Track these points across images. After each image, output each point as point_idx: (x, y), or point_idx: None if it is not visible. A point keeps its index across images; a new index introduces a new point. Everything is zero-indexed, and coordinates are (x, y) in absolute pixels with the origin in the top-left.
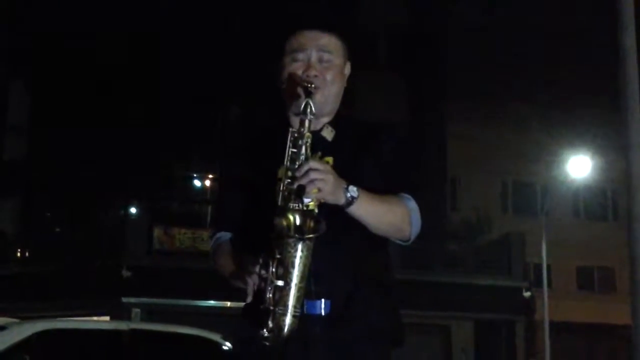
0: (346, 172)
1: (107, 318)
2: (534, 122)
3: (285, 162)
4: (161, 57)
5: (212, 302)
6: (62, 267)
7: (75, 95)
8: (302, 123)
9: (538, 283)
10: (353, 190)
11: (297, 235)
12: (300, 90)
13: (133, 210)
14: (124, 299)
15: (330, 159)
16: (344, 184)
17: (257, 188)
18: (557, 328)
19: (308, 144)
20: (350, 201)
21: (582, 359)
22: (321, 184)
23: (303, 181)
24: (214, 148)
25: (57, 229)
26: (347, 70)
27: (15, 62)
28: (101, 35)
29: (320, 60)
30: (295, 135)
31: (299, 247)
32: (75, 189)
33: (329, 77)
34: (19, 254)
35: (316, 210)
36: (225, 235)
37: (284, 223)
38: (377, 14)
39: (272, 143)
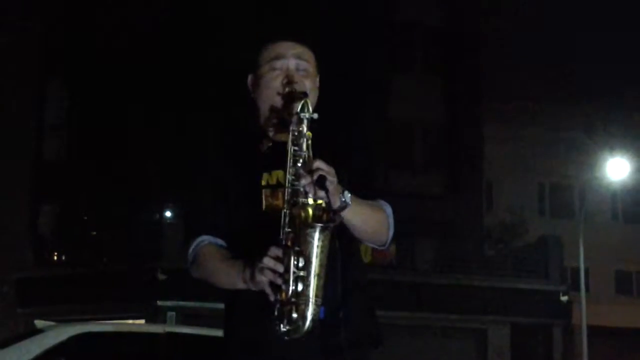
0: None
1: (142, 321)
2: (572, 123)
3: (288, 160)
4: (198, 55)
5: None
6: (98, 270)
7: (112, 97)
8: (300, 122)
9: (575, 287)
10: (347, 196)
11: (318, 224)
12: (286, 94)
13: (168, 213)
14: (160, 302)
15: None
16: (340, 188)
17: (237, 194)
18: (595, 333)
19: (309, 143)
20: (344, 206)
21: None
22: (328, 183)
23: (315, 176)
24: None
25: (94, 232)
26: (317, 82)
27: (52, 63)
28: (138, 33)
29: (298, 69)
30: (296, 134)
31: (318, 236)
32: (111, 192)
33: (308, 85)
34: (56, 257)
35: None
36: (205, 239)
37: (303, 214)
38: (413, 15)
39: (250, 151)
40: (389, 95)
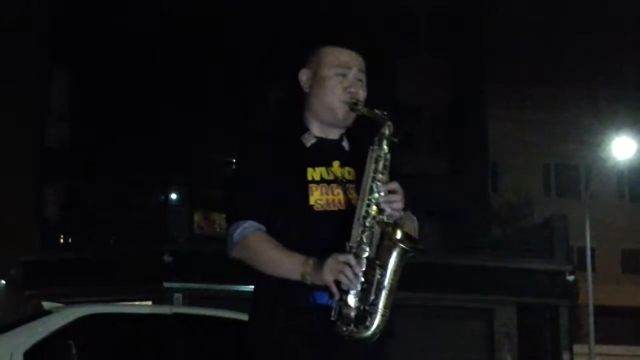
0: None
1: (149, 303)
2: (577, 104)
3: (368, 177)
4: (200, 41)
5: (253, 287)
6: (104, 253)
7: (115, 81)
8: (380, 144)
9: (582, 266)
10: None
11: (410, 245)
12: (353, 104)
13: (173, 195)
14: (166, 284)
15: (351, 170)
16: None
17: (282, 185)
18: (602, 312)
19: (387, 164)
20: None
21: (627, 343)
22: (399, 205)
23: (387, 199)
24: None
25: (99, 215)
26: None
27: (55, 49)
28: (140, 20)
29: (358, 80)
30: (379, 154)
31: (400, 255)
32: (116, 175)
33: (362, 95)
34: (62, 240)
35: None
36: (253, 225)
37: (395, 233)
38: None
39: (292, 143)
40: (394, 77)
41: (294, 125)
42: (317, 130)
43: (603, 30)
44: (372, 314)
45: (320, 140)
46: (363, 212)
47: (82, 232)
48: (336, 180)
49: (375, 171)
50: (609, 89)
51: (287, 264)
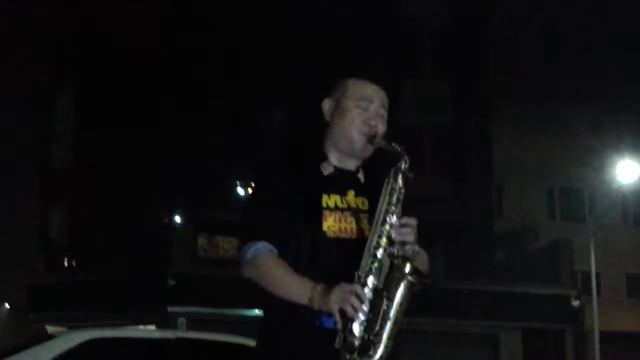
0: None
1: (153, 327)
2: (581, 127)
3: (382, 209)
4: (207, 62)
5: (257, 311)
6: (108, 276)
7: (119, 103)
8: (396, 177)
9: (587, 291)
10: (419, 249)
11: (419, 279)
12: (371, 137)
13: (177, 218)
14: (170, 308)
15: (365, 200)
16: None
17: (297, 210)
18: (607, 338)
19: (400, 197)
20: (415, 254)
21: None
22: (412, 238)
23: (401, 232)
24: (256, 154)
25: (103, 238)
26: None
27: (59, 71)
28: (144, 39)
29: (379, 114)
30: (394, 187)
31: (408, 288)
32: (120, 197)
33: (381, 129)
34: (66, 263)
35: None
36: (265, 246)
37: (407, 267)
38: (421, 16)
39: (311, 171)
40: (396, 98)
41: (313, 152)
42: (335, 159)
43: (609, 51)
44: (376, 344)
45: (337, 169)
46: (374, 243)
47: (86, 255)
48: (350, 209)
49: (389, 203)
50: (613, 112)
51: (296, 288)
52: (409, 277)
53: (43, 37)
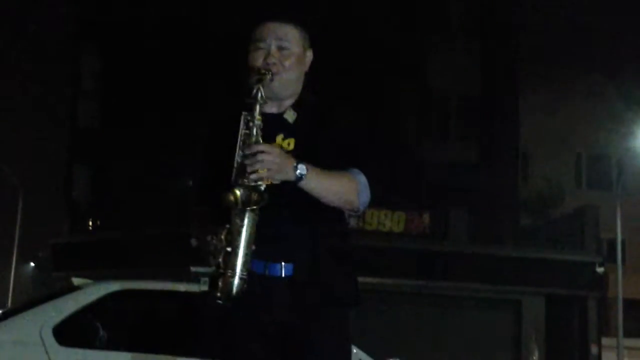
0: (306, 152)
1: None
2: (610, 92)
3: (238, 143)
4: (235, 25)
5: None
6: (131, 235)
7: (145, 62)
8: (252, 107)
9: (611, 259)
10: (302, 168)
11: (242, 206)
12: (253, 77)
13: None
14: (192, 268)
15: (292, 140)
16: (293, 163)
17: (224, 165)
18: (631, 305)
19: (258, 127)
20: (300, 177)
21: None
22: (269, 164)
23: (252, 161)
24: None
25: (127, 198)
26: (308, 57)
27: (85, 30)
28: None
29: (280, 49)
30: (248, 118)
31: (245, 217)
32: (145, 157)
33: (287, 64)
34: (90, 223)
35: (263, 186)
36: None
37: (231, 197)
38: None
39: (236, 125)
40: (425, 64)
41: (240, 107)
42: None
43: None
44: (231, 277)
45: (263, 115)
46: (233, 177)
47: (110, 215)
48: None
49: (243, 137)
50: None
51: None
52: (235, 206)
53: None
